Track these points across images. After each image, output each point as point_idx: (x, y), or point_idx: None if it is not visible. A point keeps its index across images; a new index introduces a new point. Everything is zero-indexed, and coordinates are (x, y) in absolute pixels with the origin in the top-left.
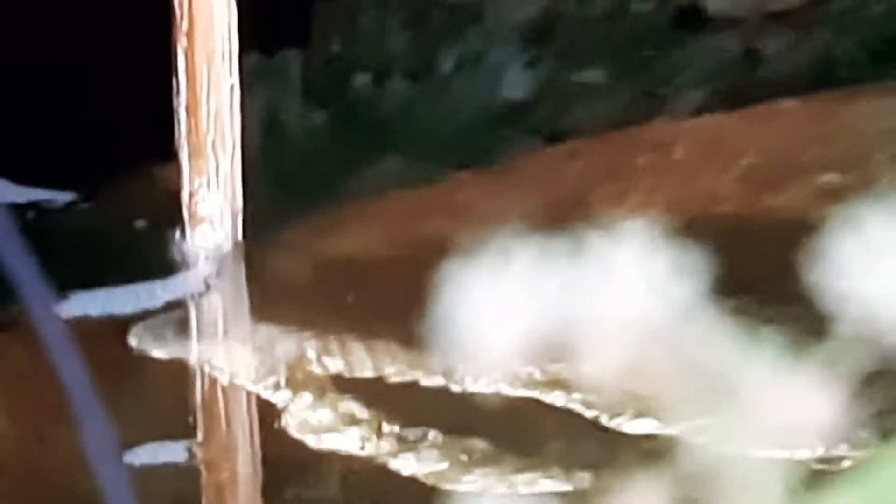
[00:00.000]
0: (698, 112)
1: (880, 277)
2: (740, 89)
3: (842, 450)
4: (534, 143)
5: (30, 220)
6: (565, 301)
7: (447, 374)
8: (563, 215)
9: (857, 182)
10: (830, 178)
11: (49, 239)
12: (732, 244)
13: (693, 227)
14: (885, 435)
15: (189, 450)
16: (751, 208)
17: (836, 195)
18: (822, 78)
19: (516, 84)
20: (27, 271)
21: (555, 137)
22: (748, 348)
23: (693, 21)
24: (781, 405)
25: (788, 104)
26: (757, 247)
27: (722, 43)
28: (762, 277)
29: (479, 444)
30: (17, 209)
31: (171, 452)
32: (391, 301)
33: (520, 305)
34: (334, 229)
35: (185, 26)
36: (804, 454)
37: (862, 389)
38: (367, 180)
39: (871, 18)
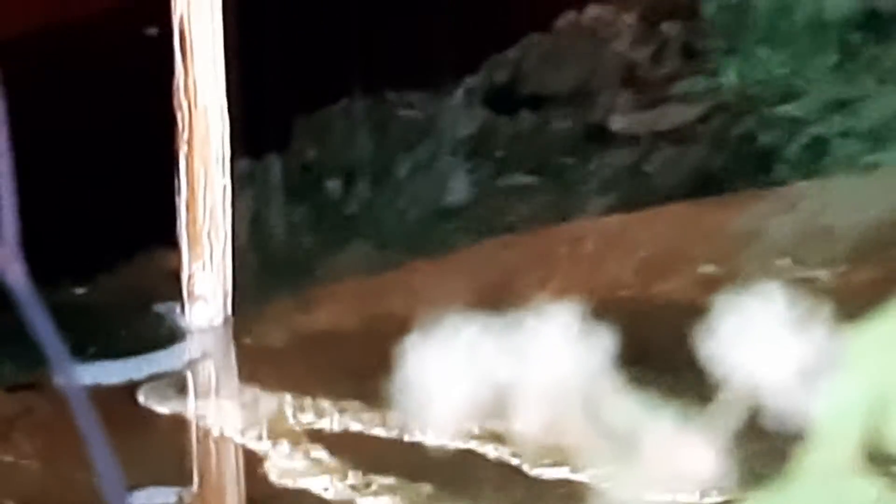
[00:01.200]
0: (605, 212)
1: (752, 351)
2: (637, 194)
3: (720, 494)
4: (474, 236)
5: (50, 295)
6: (500, 369)
7: (402, 428)
8: (497, 297)
9: (730, 273)
10: (709, 269)
11: (68, 311)
12: (633, 323)
13: (601, 307)
14: (754, 481)
15: (181, 494)
16: (646, 293)
17: (714, 283)
18: (701, 185)
19: (460, 187)
20: (52, 339)
21: (490, 232)
22: (646, 409)
23: (600, 137)
24: (672, 456)
25: (675, 207)
26: (653, 325)
27: (623, 155)
28: (657, 350)
29: (426, 487)
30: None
31: (166, 495)
32: (357, 366)
33: (463, 372)
34: (309, 306)
35: (185, 136)
36: (689, 498)
37: (737, 443)
38: (336, 265)
39: (738, 137)
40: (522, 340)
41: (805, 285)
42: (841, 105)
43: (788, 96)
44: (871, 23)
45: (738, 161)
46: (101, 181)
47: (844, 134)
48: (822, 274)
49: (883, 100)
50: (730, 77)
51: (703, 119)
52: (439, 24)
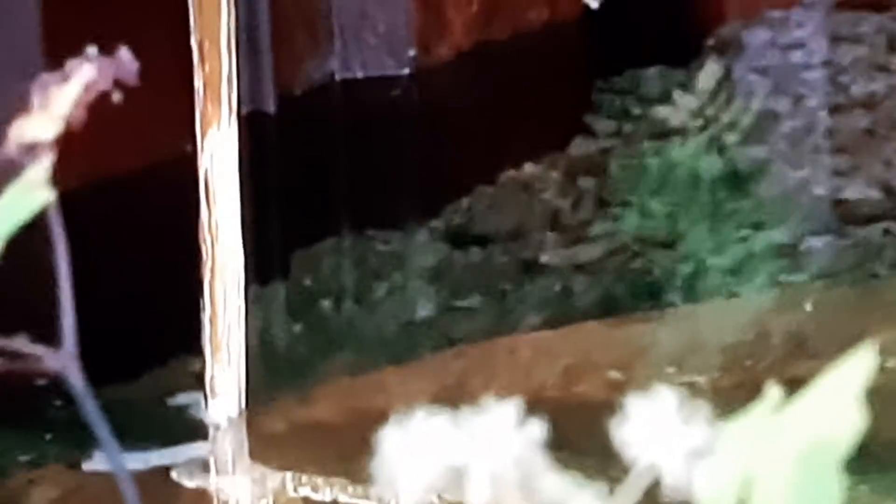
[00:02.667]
0: (535, 329)
1: (652, 440)
2: (560, 314)
3: None
4: (434, 346)
5: (102, 392)
6: (455, 453)
7: (380, 499)
8: (453, 396)
9: (631, 378)
10: (615, 374)
11: (116, 405)
12: (558, 417)
13: (533, 405)
14: None
15: None
16: (568, 393)
17: (620, 386)
18: (608, 308)
19: (423, 307)
20: (103, 428)
21: (447, 343)
22: (571, 486)
23: (532, 268)
24: None
25: (588, 325)
26: (573, 419)
27: (549, 283)
28: (578, 439)
29: None
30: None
31: None
32: (344, 450)
33: (427, 455)
34: (306, 402)
35: (209, 265)
36: None
37: None
38: (327, 370)
39: (635, 270)
40: (473, 430)
41: (688, 388)
42: (711, 246)
43: (672, 238)
44: (734, 181)
45: (635, 289)
46: (142, 301)
47: (713, 269)
48: (700, 379)
49: (741, 243)
50: (629, 222)
51: (609, 255)
52: (409, 178)
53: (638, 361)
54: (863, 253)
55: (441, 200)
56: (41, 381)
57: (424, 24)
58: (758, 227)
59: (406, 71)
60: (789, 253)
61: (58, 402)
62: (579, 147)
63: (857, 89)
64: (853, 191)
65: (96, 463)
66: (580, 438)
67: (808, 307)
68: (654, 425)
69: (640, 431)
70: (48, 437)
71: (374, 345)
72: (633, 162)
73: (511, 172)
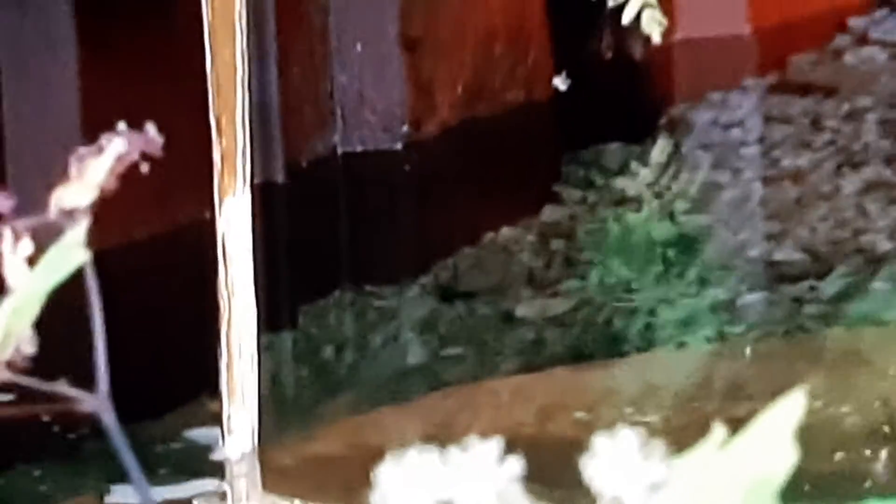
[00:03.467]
0: (512, 374)
1: (615, 474)
2: (534, 361)
3: None
4: (424, 390)
5: (131, 430)
6: (444, 488)
7: None
8: (441, 434)
9: (596, 418)
10: (582, 415)
11: (144, 443)
12: (533, 453)
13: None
14: None
15: None
16: (541, 431)
17: (587, 425)
18: (575, 356)
19: (415, 355)
20: (133, 464)
21: (436, 387)
22: None
23: (510, 320)
24: None
25: (558, 371)
26: (547, 454)
27: (524, 333)
28: (551, 473)
29: None
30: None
31: None
32: (346, 482)
33: (419, 488)
34: (313, 439)
35: (226, 317)
36: None
37: None
38: (331, 410)
39: (599, 322)
40: (459, 465)
41: (645, 427)
42: (664, 301)
43: (631, 294)
44: (682, 244)
45: (599, 339)
46: (167, 348)
47: (665, 322)
48: (655, 419)
49: (689, 298)
50: (594, 280)
51: (577, 309)
52: (402, 240)
53: (602, 403)
54: (792, 308)
55: (430, 260)
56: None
57: (415, 104)
58: (703, 284)
59: (399, 145)
60: (729, 307)
61: (72, 436)
62: (550, 213)
63: (787, 163)
64: (783, 253)
65: (116, 496)
66: (553, 472)
67: (746, 356)
68: (618, 461)
69: (605, 466)
70: (72, 470)
71: (371, 388)
72: (596, 226)
73: (491, 235)
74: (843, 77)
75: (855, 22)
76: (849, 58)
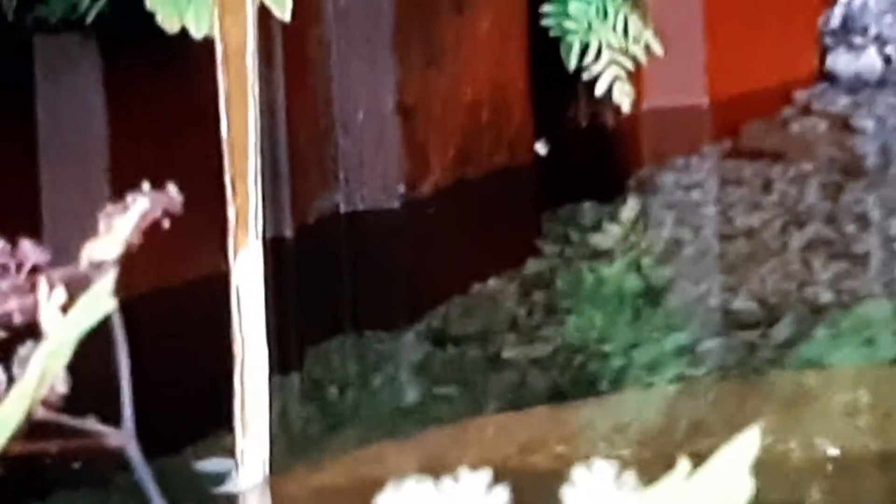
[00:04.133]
0: (499, 411)
1: (596, 500)
2: (519, 400)
3: None
4: (419, 426)
5: (154, 462)
6: None
7: None
8: (435, 467)
9: (573, 451)
10: (561, 448)
11: (167, 474)
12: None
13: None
14: None
15: None
16: (524, 464)
17: (565, 458)
18: (555, 395)
19: (411, 395)
20: (155, 494)
21: (430, 424)
22: None
23: (497, 363)
24: None
25: (540, 409)
26: (530, 484)
27: (510, 375)
28: (534, 501)
29: None
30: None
31: None
32: None
33: None
34: (318, 471)
35: (240, 359)
36: None
37: None
38: (334, 444)
39: (575, 365)
40: (451, 496)
41: (617, 460)
42: (632, 345)
43: (604, 340)
44: (649, 294)
45: (576, 380)
46: (186, 388)
47: (635, 364)
48: (626, 453)
49: (655, 344)
50: (571, 326)
51: (556, 352)
52: (398, 289)
53: (579, 439)
54: (746, 352)
55: (424, 308)
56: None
57: (411, 167)
58: (667, 331)
59: (396, 204)
60: (691, 352)
61: (100, 468)
62: (532, 266)
63: (741, 222)
64: (738, 303)
65: None
66: (536, 501)
67: (706, 396)
68: (594, 491)
69: (583, 496)
70: (99, 500)
71: (371, 424)
72: (573, 278)
73: (479, 285)
74: (789, 144)
75: (799, 95)
76: (794, 126)
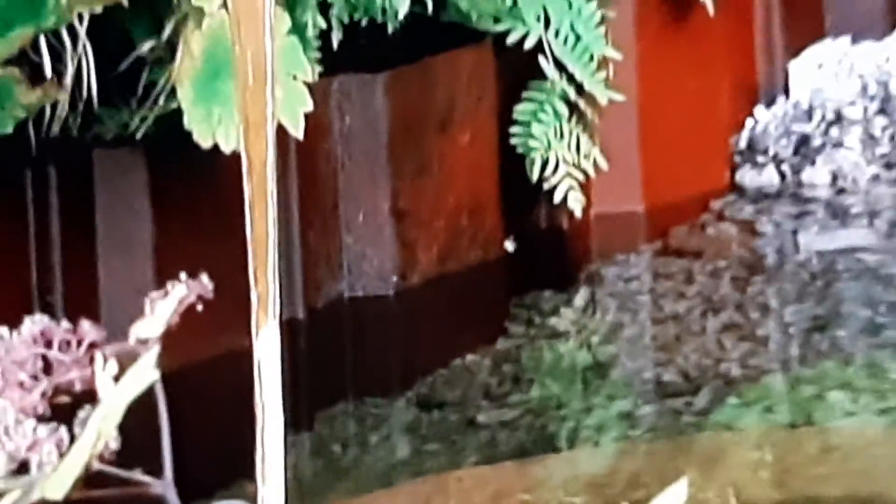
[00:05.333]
0: (475, 465)
1: None
2: (492, 456)
3: None
4: (409, 477)
5: None
6: None
7: None
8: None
9: (538, 500)
10: (525, 496)
11: None
12: None
13: None
14: None
15: None
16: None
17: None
18: (520, 453)
19: (403, 450)
20: None
21: (417, 474)
22: None
23: (473, 426)
24: None
25: (509, 464)
26: None
27: (485, 436)
28: None
29: None
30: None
31: None
32: None
33: None
34: None
35: (260, 422)
36: None
37: None
38: (336, 494)
39: (537, 426)
40: None
41: None
42: (583, 410)
43: (560, 406)
44: (597, 368)
45: (538, 439)
46: (215, 444)
47: (586, 426)
48: (579, 500)
49: (602, 409)
50: (534, 395)
51: (522, 416)
52: (392, 363)
53: (541, 489)
54: (674, 417)
55: (413, 378)
56: None
57: (403, 261)
58: (611, 398)
59: (391, 292)
60: (630, 416)
61: None
62: (502, 343)
63: (669, 308)
64: (667, 376)
65: None
66: None
67: (642, 453)
68: None
69: None
70: None
71: (368, 476)
72: (536, 354)
73: (458, 360)
74: (707, 244)
75: (715, 204)
76: (711, 230)
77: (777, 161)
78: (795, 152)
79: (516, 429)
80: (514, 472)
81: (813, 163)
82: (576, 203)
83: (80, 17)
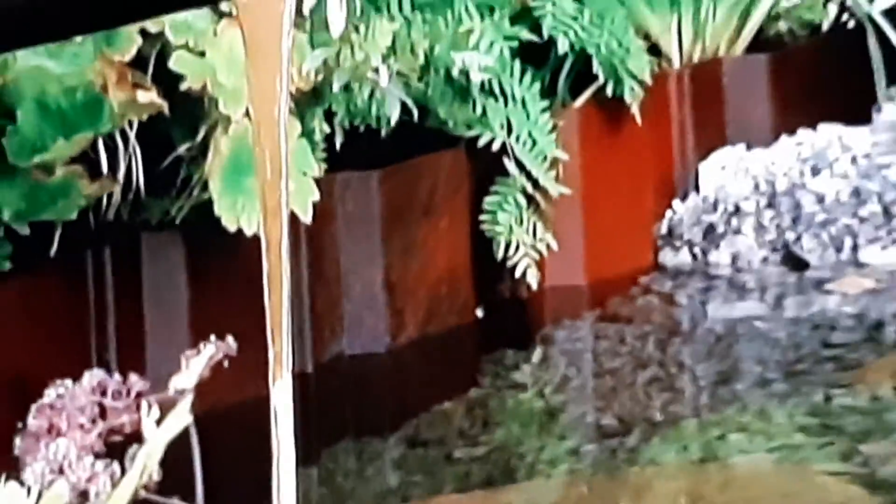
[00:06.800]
0: (452, 493)
1: None
2: (465, 486)
3: None
4: (400, 502)
5: None
6: None
7: None
8: None
9: None
10: None
11: None
12: None
13: None
14: None
15: None
16: None
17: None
18: (489, 482)
19: (393, 480)
20: None
21: (405, 500)
22: None
23: (450, 460)
24: None
25: (479, 492)
26: None
27: (460, 467)
28: None
29: None
30: None
31: None
32: None
33: None
34: None
35: (276, 457)
36: None
37: None
38: None
39: (503, 460)
40: None
41: None
42: (539, 448)
43: (520, 444)
44: (549, 413)
45: (503, 472)
46: (239, 477)
47: (540, 461)
48: None
49: (553, 447)
50: (500, 435)
51: (490, 453)
52: (384, 408)
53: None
54: (610, 454)
55: (401, 421)
56: None
57: (393, 325)
58: (561, 438)
59: (383, 350)
60: (576, 453)
61: None
62: (474, 393)
63: (606, 364)
64: (605, 420)
65: None
66: None
67: (587, 484)
68: None
69: None
70: None
71: (365, 502)
72: (501, 402)
73: (438, 406)
74: (636, 312)
75: (643, 279)
76: (639, 301)
77: (690, 245)
78: (704, 237)
79: (486, 463)
80: (483, 499)
81: (717, 246)
82: (532, 278)
83: (131, 123)
